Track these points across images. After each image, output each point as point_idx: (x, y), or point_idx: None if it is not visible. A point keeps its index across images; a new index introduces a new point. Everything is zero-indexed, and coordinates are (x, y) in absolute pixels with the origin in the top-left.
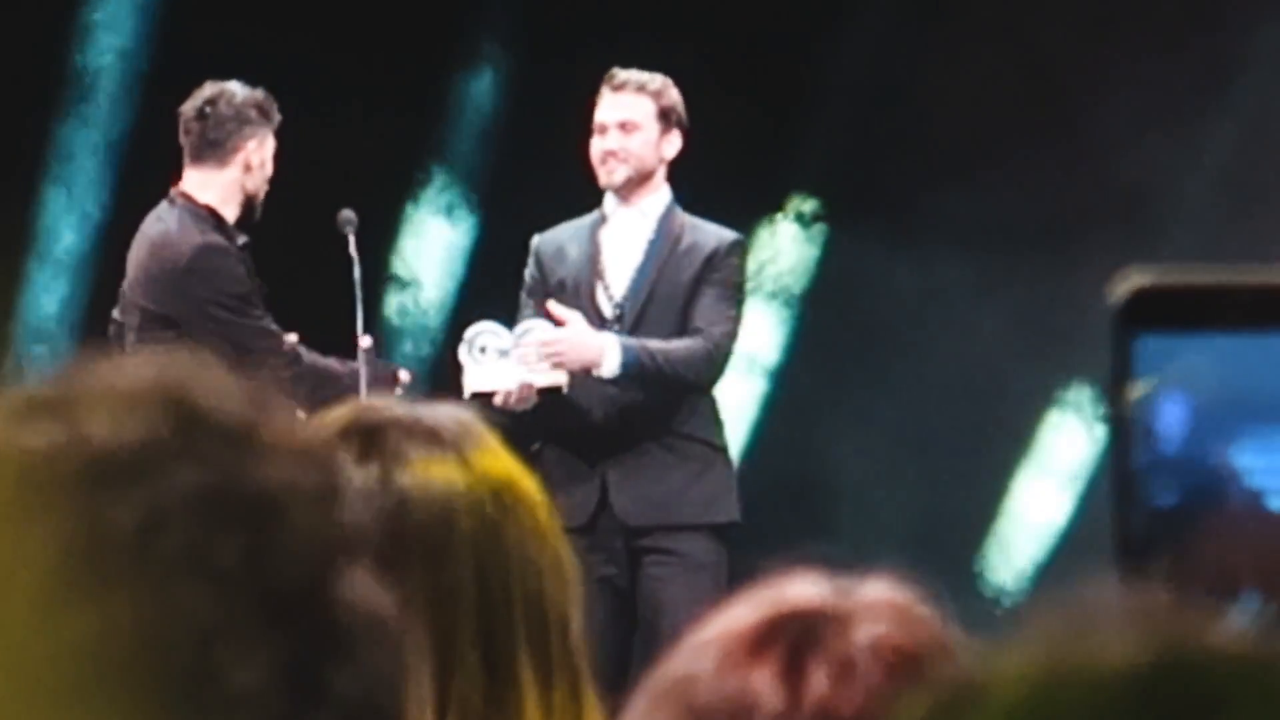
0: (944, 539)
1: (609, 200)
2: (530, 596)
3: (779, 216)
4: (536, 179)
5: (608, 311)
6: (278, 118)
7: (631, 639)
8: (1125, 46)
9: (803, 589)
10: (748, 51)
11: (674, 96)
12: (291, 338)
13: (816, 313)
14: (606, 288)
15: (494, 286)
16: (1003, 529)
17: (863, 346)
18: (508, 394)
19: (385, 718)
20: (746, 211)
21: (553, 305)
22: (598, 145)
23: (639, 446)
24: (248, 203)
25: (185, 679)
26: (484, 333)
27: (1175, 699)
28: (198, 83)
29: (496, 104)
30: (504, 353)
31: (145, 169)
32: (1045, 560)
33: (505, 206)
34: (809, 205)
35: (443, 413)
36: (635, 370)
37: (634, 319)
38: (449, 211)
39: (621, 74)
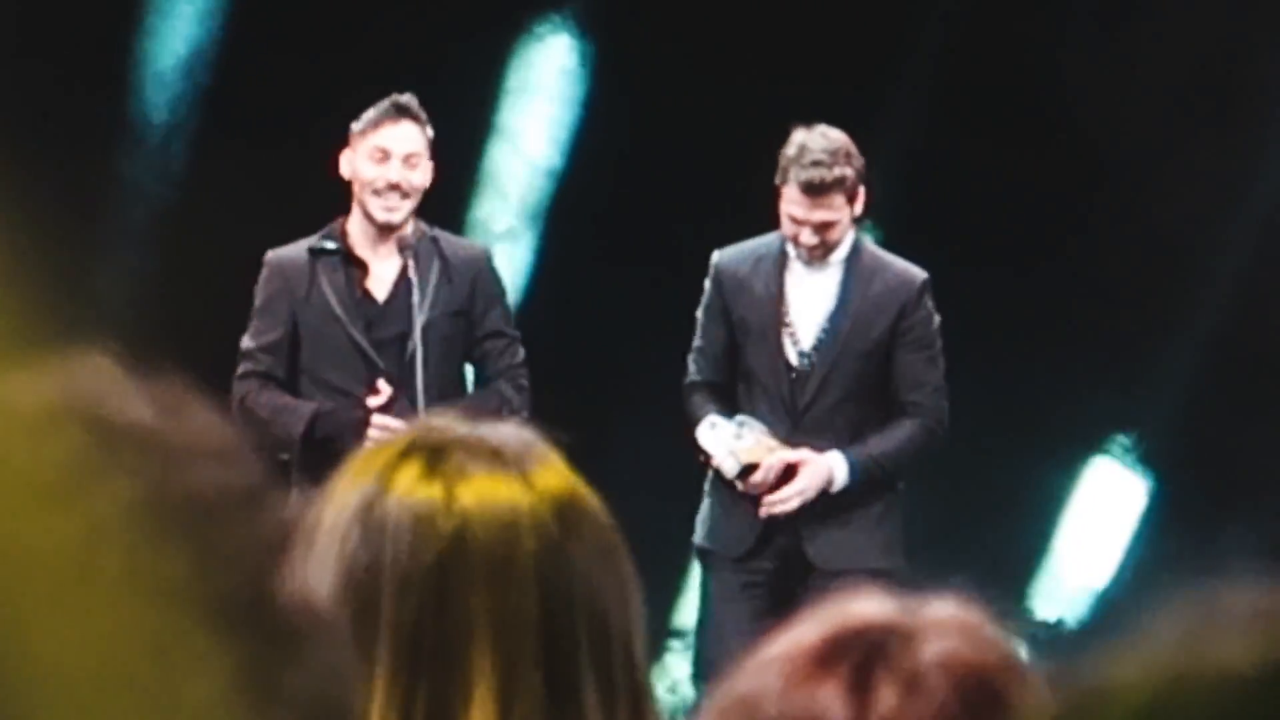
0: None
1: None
2: (594, 616)
3: None
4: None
5: (794, 359)
6: (360, 124)
7: None
8: None
9: (869, 606)
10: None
11: (858, 165)
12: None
13: None
14: (793, 334)
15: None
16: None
17: None
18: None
19: (341, 712)
20: None
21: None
22: (794, 230)
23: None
24: (366, 214)
25: (141, 695)
26: (748, 424)
27: None
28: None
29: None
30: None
31: None
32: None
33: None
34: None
35: (505, 431)
36: (864, 482)
37: (825, 372)
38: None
39: (814, 174)
